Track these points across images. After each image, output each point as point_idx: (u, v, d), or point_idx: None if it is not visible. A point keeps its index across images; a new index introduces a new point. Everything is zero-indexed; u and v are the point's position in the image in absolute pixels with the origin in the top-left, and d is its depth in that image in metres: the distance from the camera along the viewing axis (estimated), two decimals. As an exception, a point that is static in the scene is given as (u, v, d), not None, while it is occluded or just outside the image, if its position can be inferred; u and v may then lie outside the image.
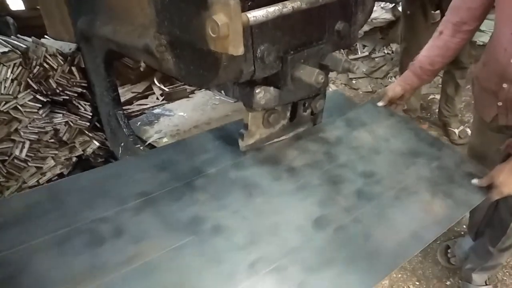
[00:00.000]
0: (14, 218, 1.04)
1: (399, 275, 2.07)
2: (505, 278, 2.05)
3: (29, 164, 1.98)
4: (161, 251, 1.02)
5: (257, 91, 1.23)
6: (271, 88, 1.25)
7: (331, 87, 3.81)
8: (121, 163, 1.35)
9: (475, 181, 1.30)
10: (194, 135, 1.54)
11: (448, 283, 2.05)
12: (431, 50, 1.53)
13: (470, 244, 2.07)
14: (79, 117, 2.08)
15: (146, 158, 1.35)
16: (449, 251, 2.16)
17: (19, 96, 1.83)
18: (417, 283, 2.04)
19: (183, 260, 1.01)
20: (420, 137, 1.50)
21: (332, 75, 4.07)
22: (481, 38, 3.67)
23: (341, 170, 1.34)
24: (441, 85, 3.16)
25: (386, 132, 1.53)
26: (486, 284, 1.96)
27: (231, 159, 1.35)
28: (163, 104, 2.66)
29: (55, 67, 1.92)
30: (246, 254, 1.04)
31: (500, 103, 1.44)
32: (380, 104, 1.64)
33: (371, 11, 1.37)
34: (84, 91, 2.07)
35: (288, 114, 1.46)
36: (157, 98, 2.89)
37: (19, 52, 1.81)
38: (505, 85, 1.37)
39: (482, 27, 1.87)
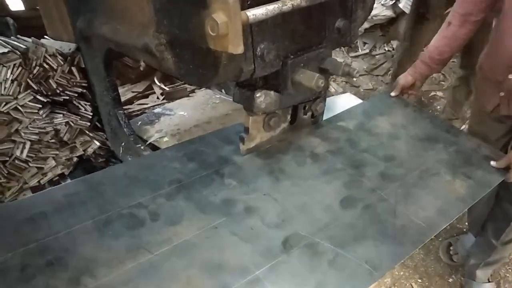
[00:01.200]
0: (55, 208, 1.14)
1: (401, 273, 2.07)
2: (508, 274, 2.05)
3: (30, 164, 1.98)
4: (198, 231, 1.10)
5: (257, 95, 1.23)
6: (272, 92, 1.26)
7: (332, 85, 3.81)
8: (151, 156, 1.43)
9: (493, 163, 1.38)
10: (219, 129, 1.62)
11: (450, 280, 2.05)
12: (440, 41, 1.59)
13: (472, 241, 2.06)
14: (79, 117, 2.07)
15: (175, 150, 1.43)
16: (451, 248, 2.15)
17: (19, 96, 1.83)
18: (419, 280, 2.04)
19: (219, 239, 1.08)
20: (436, 124, 1.59)
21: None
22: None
23: (363, 155, 1.42)
24: (451, 87, 3.13)
25: (403, 120, 1.61)
26: (489, 281, 1.96)
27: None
28: (163, 104, 2.66)
29: (55, 67, 1.91)
30: (279, 231, 1.11)
31: (502, 94, 1.47)
32: (393, 94, 1.72)
33: (371, 8, 1.37)
34: (84, 91, 2.07)
35: (289, 117, 1.46)
36: (158, 98, 2.89)
37: (19, 53, 1.80)
38: (510, 76, 1.39)
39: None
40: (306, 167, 1.36)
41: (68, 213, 1.12)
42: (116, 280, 0.96)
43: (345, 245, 1.07)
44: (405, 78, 1.69)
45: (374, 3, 1.41)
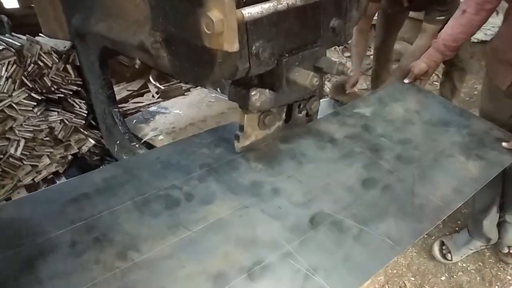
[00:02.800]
0: (96, 190, 1.22)
1: (394, 271, 2.08)
2: (499, 273, 2.07)
3: (24, 162, 1.97)
4: (230, 210, 1.18)
5: (252, 93, 1.24)
6: (267, 90, 1.26)
7: (327, 85, 3.82)
8: (180, 142, 1.49)
9: (505, 144, 1.45)
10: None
11: (443, 278, 2.07)
12: (455, 28, 1.66)
13: (465, 239, 2.09)
14: (74, 115, 2.07)
15: (202, 137, 1.50)
16: (444, 247, 2.17)
17: (13, 94, 1.82)
18: (412, 278, 2.06)
19: (251, 217, 1.16)
20: (449, 109, 1.68)
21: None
22: (476, 35, 3.69)
23: (380, 139, 1.50)
24: (438, 87, 3.17)
25: (416, 105, 1.69)
26: None
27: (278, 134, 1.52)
28: (158, 102, 2.66)
29: (50, 65, 1.91)
30: (305, 210, 1.19)
31: None
32: (406, 81, 1.80)
33: (366, 9, 1.38)
34: (79, 89, 2.06)
35: (284, 115, 1.47)
36: (153, 96, 2.89)
37: (14, 50, 1.80)
38: None
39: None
40: (327, 151, 1.44)
41: (108, 195, 1.20)
42: (159, 254, 1.04)
43: (368, 222, 1.15)
44: (418, 66, 1.75)
45: (368, 3, 1.43)
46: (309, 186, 1.28)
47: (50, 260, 1.00)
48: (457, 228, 2.31)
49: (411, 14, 3.16)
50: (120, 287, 0.96)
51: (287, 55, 1.20)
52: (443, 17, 2.17)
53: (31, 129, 1.92)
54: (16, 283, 0.95)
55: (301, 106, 1.49)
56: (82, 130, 2.13)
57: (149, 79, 3.02)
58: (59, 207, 1.15)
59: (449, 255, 2.14)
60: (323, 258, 1.05)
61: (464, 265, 2.12)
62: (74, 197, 1.18)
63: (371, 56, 4.31)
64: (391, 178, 1.31)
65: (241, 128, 1.36)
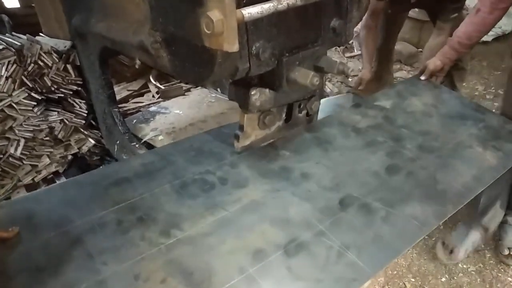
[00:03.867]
0: (135, 174, 1.31)
1: (395, 272, 2.08)
2: (500, 274, 2.06)
3: (24, 162, 1.97)
4: (263, 193, 1.25)
5: (252, 93, 1.23)
6: (267, 90, 1.26)
7: (328, 85, 3.81)
8: (211, 132, 1.57)
9: None
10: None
11: (443, 279, 2.06)
12: (469, 26, 1.73)
13: (464, 232, 2.09)
14: (74, 115, 2.07)
15: (230, 128, 1.53)
16: (444, 245, 2.18)
17: (13, 94, 1.82)
18: (413, 279, 2.05)
19: (283, 199, 1.23)
20: (465, 104, 1.77)
21: (328, 73, 4.07)
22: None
23: (401, 130, 1.58)
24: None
25: (433, 100, 1.78)
26: None
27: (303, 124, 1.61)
28: (158, 102, 2.66)
29: (50, 64, 1.91)
30: (334, 193, 1.26)
31: None
32: (422, 77, 1.89)
33: (366, 9, 1.38)
34: (79, 89, 2.06)
35: (284, 115, 1.47)
36: (153, 96, 2.89)
37: (14, 50, 1.80)
38: None
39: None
40: (351, 139, 1.52)
41: (148, 178, 1.29)
42: (200, 232, 1.11)
43: (394, 205, 1.21)
44: (434, 63, 1.84)
45: (369, 3, 1.42)
46: (336, 171, 1.35)
47: (98, 237, 1.08)
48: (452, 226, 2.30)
49: (411, 14, 3.15)
50: (166, 261, 1.03)
51: (287, 54, 1.19)
52: (456, 14, 2.23)
53: (31, 129, 1.92)
54: (69, 257, 1.02)
55: (302, 106, 1.48)
56: (82, 130, 2.13)
57: (150, 79, 3.02)
58: (102, 189, 1.25)
59: (452, 253, 2.14)
60: (354, 237, 1.11)
61: (464, 266, 2.11)
62: (116, 181, 1.28)
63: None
64: (414, 165, 1.39)
65: (241, 127, 1.35)
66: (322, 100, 1.63)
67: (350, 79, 3.99)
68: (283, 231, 1.12)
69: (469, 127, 1.61)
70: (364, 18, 2.43)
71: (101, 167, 1.82)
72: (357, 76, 2.53)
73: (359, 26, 4.10)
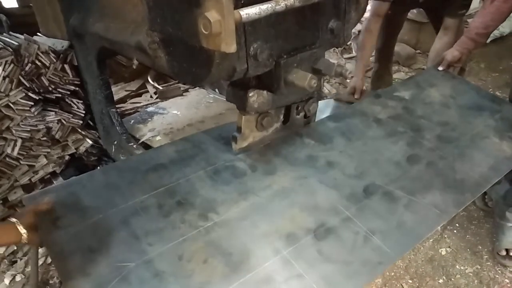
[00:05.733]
0: (170, 160, 1.39)
1: (392, 273, 2.08)
2: (497, 276, 2.06)
3: (21, 162, 1.96)
4: (291, 180, 1.33)
5: (250, 95, 1.23)
6: (265, 91, 1.26)
7: (326, 86, 3.81)
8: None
9: None
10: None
11: (440, 281, 2.06)
12: (485, 16, 1.79)
13: (506, 188, 2.12)
14: (71, 115, 2.06)
15: None
16: (486, 196, 2.25)
17: (11, 93, 1.81)
18: (410, 281, 2.05)
19: (310, 186, 1.31)
20: (481, 95, 1.82)
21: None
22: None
23: (420, 120, 1.65)
24: None
25: (451, 91, 1.83)
26: None
27: (327, 113, 1.72)
28: (156, 103, 2.66)
29: (48, 64, 1.90)
30: (358, 181, 1.33)
31: None
32: (440, 68, 1.94)
33: (364, 10, 1.38)
34: (77, 89, 2.06)
35: (281, 117, 1.47)
36: (151, 96, 2.88)
37: (11, 50, 1.79)
38: None
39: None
40: (372, 129, 1.59)
41: (182, 165, 1.37)
42: (235, 216, 1.19)
43: (416, 193, 1.28)
44: (452, 54, 1.88)
45: (367, 5, 1.42)
46: (360, 160, 1.42)
47: (142, 219, 1.16)
48: (455, 231, 2.30)
49: (410, 16, 3.15)
50: (207, 242, 1.11)
51: (285, 56, 1.19)
52: (464, 11, 2.24)
53: (28, 129, 1.91)
54: (117, 238, 1.10)
55: (299, 108, 1.48)
56: (79, 130, 2.12)
57: (147, 80, 3.02)
58: (141, 175, 1.32)
59: (490, 203, 2.22)
60: (379, 223, 1.19)
61: (462, 268, 2.11)
62: (153, 167, 1.36)
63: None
64: (433, 155, 1.45)
65: (239, 129, 1.35)
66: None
67: (348, 81, 3.98)
68: (312, 217, 1.20)
69: (486, 118, 1.66)
70: (366, 20, 2.41)
71: (139, 154, 1.85)
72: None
73: (358, 27, 4.11)
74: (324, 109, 1.87)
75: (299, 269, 1.05)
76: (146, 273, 1.02)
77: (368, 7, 3.20)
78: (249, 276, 1.03)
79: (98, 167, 1.60)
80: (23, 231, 1.01)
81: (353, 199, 1.26)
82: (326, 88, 3.79)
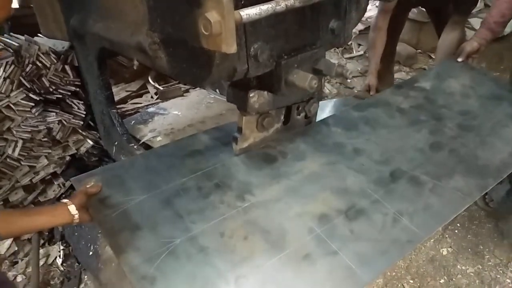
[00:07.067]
0: (206, 147, 1.47)
1: (393, 273, 2.08)
2: (498, 276, 2.06)
3: (22, 163, 1.96)
4: (321, 165, 1.39)
5: (251, 95, 1.23)
6: (265, 92, 1.26)
7: (327, 86, 3.81)
8: None
9: None
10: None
11: (442, 281, 2.06)
12: (500, 6, 1.88)
13: (506, 188, 2.12)
14: (72, 116, 2.06)
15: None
16: (486, 196, 2.27)
17: (11, 94, 1.82)
18: (411, 281, 2.05)
19: (339, 171, 1.37)
20: (500, 85, 1.89)
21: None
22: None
23: (441, 110, 1.71)
24: None
25: (471, 81, 1.90)
26: None
27: (350, 103, 1.79)
28: (157, 103, 2.66)
29: (48, 65, 1.90)
30: (385, 167, 1.39)
31: None
32: (459, 59, 2.00)
33: (365, 10, 1.37)
34: (78, 89, 2.06)
35: (282, 117, 1.46)
36: (152, 97, 2.88)
37: (12, 51, 1.79)
38: None
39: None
40: (396, 118, 1.65)
41: (217, 151, 1.44)
42: (270, 198, 1.26)
43: (440, 178, 1.34)
44: (470, 45, 1.94)
45: (368, 4, 1.42)
46: (385, 147, 1.48)
47: (184, 200, 1.23)
48: (456, 231, 2.30)
49: (410, 16, 3.14)
50: (246, 221, 1.18)
51: (285, 56, 1.19)
52: (473, 7, 2.30)
53: (29, 130, 1.92)
54: (162, 216, 1.17)
55: (300, 108, 1.48)
56: (80, 131, 2.12)
57: (148, 80, 3.02)
58: (179, 160, 1.40)
59: (492, 203, 2.26)
60: (406, 205, 1.24)
61: (463, 267, 2.11)
62: (190, 152, 1.44)
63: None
64: (456, 142, 1.51)
65: (240, 130, 1.35)
66: (321, 102, 1.64)
67: (349, 81, 3.98)
68: (342, 199, 1.26)
69: (505, 107, 1.72)
70: (374, 18, 2.43)
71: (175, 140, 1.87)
72: (362, 79, 2.51)
73: (360, 27, 4.11)
74: (328, 109, 1.92)
75: (333, 246, 1.11)
76: (191, 248, 1.09)
77: (376, 3, 3.22)
78: (288, 252, 1.10)
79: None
80: (74, 211, 1.10)
81: (381, 183, 1.31)
82: (327, 88, 3.79)
